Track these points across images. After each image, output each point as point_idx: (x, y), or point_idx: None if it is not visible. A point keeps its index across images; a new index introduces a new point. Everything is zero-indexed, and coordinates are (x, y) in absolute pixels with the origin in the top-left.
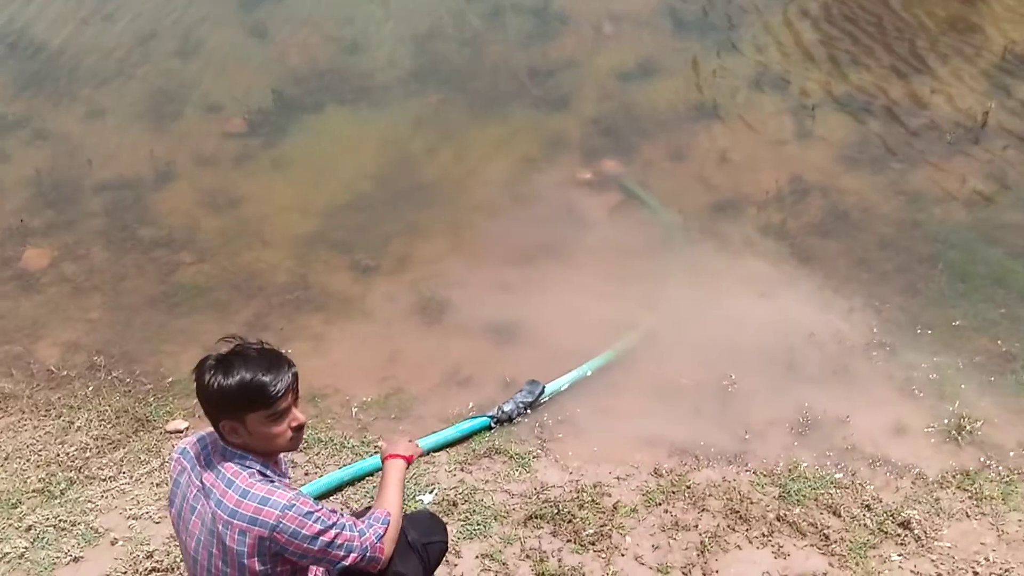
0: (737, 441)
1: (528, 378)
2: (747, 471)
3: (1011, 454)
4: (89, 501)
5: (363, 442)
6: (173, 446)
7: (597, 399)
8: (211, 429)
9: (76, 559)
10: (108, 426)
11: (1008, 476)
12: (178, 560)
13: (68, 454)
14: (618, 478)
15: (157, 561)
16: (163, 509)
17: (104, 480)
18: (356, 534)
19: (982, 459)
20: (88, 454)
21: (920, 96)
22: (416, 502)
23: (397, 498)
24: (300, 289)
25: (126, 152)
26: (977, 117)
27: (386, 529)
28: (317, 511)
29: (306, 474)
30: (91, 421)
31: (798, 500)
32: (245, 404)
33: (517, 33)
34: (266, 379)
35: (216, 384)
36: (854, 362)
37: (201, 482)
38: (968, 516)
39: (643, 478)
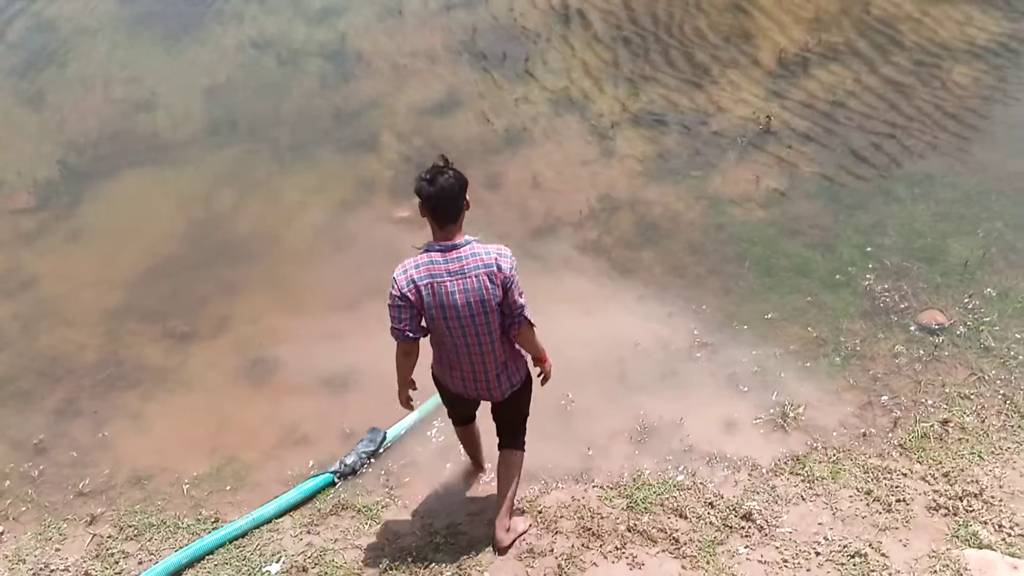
0: (581, 459)
1: (368, 426)
2: (594, 487)
3: (834, 434)
4: None
5: (199, 519)
6: None
7: (440, 437)
8: (415, 261)
9: None
10: None
11: (834, 455)
12: None
13: None
14: (470, 514)
15: None
16: None
17: None
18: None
19: (809, 442)
20: None
21: (708, 106)
22: (262, 574)
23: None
24: (112, 366)
25: None
26: (761, 120)
27: (531, 324)
28: None
29: (140, 563)
30: None
31: (645, 508)
32: (466, 182)
33: (315, 78)
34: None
35: (451, 179)
36: (680, 365)
37: (449, 274)
38: (804, 499)
39: (494, 511)
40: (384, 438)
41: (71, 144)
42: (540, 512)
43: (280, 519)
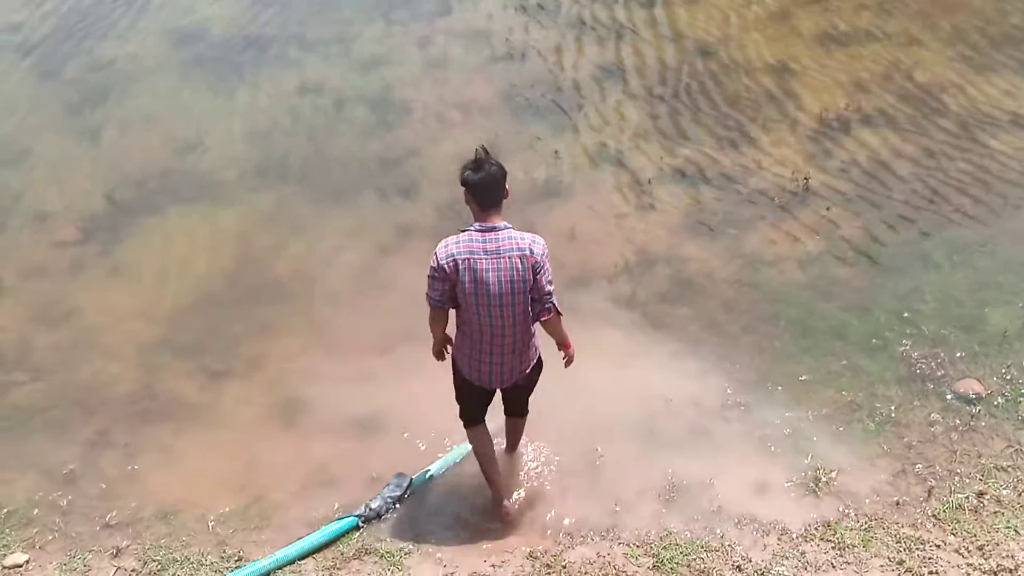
0: (608, 514)
1: (395, 471)
2: (621, 544)
3: (867, 501)
4: None
5: (223, 557)
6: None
7: (466, 484)
8: (456, 238)
9: None
10: None
11: (866, 523)
12: None
13: None
14: (493, 566)
15: None
16: None
17: None
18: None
19: (841, 508)
20: None
21: (747, 164)
22: None
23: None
24: (146, 399)
25: None
26: (800, 181)
27: (559, 312)
28: None
29: None
30: None
31: (672, 568)
32: (505, 172)
33: (360, 125)
34: None
35: (494, 167)
36: (712, 424)
37: (485, 253)
38: (834, 567)
39: (519, 563)
40: (410, 484)
41: (121, 180)
42: (564, 567)
43: (303, 561)
